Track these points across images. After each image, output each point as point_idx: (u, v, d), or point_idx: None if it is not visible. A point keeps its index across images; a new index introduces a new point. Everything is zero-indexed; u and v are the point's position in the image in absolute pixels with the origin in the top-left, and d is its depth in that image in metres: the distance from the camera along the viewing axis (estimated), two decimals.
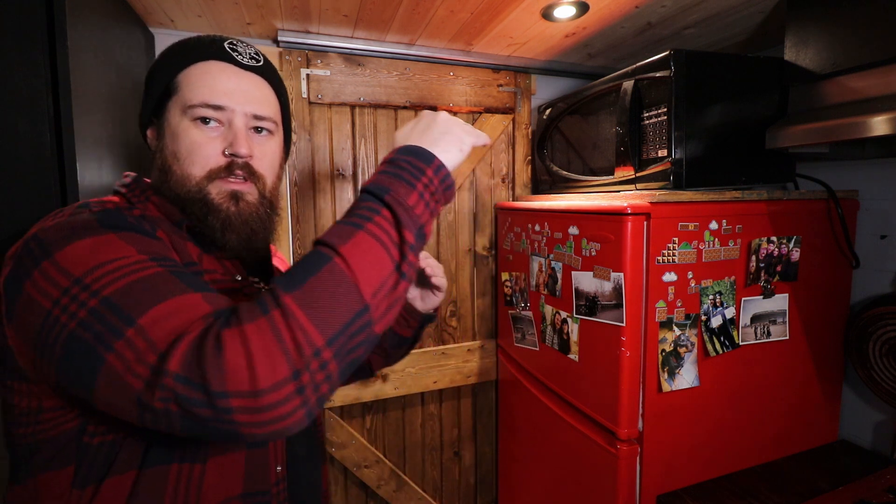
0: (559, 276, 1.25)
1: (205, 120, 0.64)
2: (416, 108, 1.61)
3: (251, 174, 0.67)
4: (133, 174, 0.70)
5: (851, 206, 1.24)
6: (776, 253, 1.13)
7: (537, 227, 1.37)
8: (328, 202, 1.54)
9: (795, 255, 1.16)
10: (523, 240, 1.47)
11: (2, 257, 0.54)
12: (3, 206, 0.80)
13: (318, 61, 1.48)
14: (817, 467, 1.17)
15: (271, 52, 1.43)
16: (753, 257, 1.11)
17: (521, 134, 1.75)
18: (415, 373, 1.67)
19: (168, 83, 0.65)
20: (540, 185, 1.70)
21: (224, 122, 0.65)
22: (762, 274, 1.13)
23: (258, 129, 0.68)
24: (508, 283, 1.56)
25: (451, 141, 0.59)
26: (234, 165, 0.65)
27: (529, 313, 1.43)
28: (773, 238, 1.13)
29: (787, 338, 1.17)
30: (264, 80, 0.70)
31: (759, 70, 1.14)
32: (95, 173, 0.94)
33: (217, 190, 0.64)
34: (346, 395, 1.57)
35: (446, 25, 1.37)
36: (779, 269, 1.14)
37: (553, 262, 1.28)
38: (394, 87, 1.57)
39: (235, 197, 0.65)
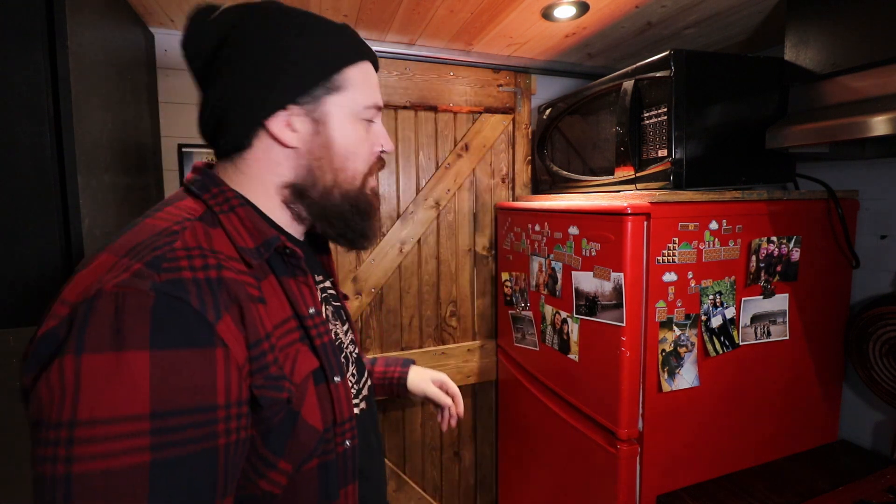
0: (559, 276, 1.25)
1: (370, 121, 0.65)
2: (417, 107, 1.61)
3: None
4: (204, 167, 0.61)
5: (851, 206, 1.24)
6: (776, 253, 1.13)
7: (537, 227, 1.37)
8: None
9: (795, 255, 1.16)
10: (523, 240, 1.47)
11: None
12: (3, 206, 0.80)
13: None
14: (817, 467, 1.17)
15: None
16: (753, 257, 1.11)
17: (521, 134, 1.75)
18: None
19: (331, 76, 0.60)
20: (540, 185, 1.70)
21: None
22: (762, 274, 1.13)
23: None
24: (508, 283, 1.56)
25: None
26: (382, 161, 0.68)
27: (529, 313, 1.43)
28: (773, 238, 1.13)
29: (787, 338, 1.17)
30: None
31: (759, 70, 1.14)
32: (95, 174, 0.94)
33: (371, 185, 0.66)
34: None
35: (446, 25, 1.37)
36: (779, 269, 1.14)
37: (553, 262, 1.28)
38: (394, 87, 1.57)
39: (377, 194, 0.68)
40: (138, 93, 1.25)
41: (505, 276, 1.59)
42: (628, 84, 1.18)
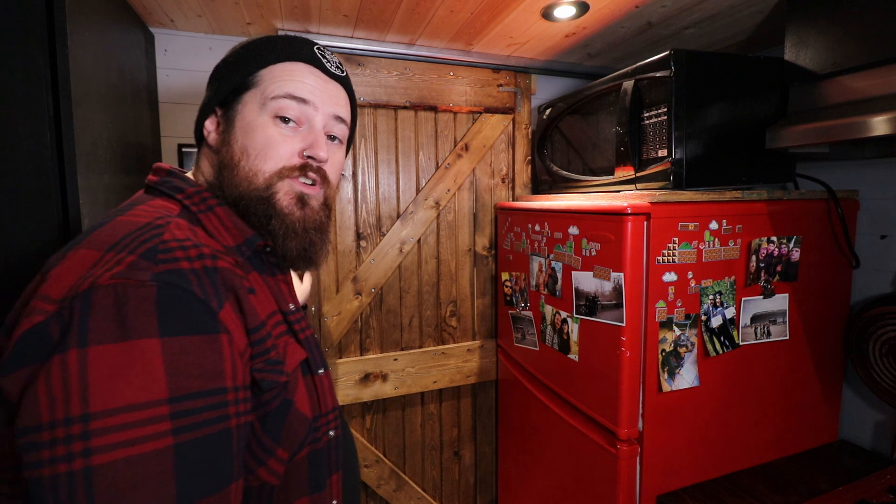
0: (559, 276, 1.25)
1: (285, 119, 0.61)
2: (416, 108, 1.61)
3: (323, 179, 0.64)
4: (170, 169, 0.60)
5: (851, 206, 1.24)
6: (776, 253, 1.13)
7: (537, 227, 1.37)
8: None
9: (795, 255, 1.16)
10: (523, 240, 1.47)
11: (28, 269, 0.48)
12: (3, 207, 0.80)
13: None
14: (817, 467, 1.17)
15: None
16: (753, 257, 1.11)
17: (521, 134, 1.75)
18: (415, 372, 1.67)
19: (248, 76, 0.61)
20: (540, 185, 1.70)
21: (304, 122, 0.63)
22: (762, 274, 1.13)
23: (331, 137, 0.67)
24: (508, 283, 1.56)
25: None
26: (309, 168, 0.62)
27: (529, 313, 1.43)
28: (773, 238, 1.13)
29: (787, 338, 1.17)
30: (345, 91, 0.70)
31: (759, 70, 1.14)
32: (95, 174, 0.94)
33: (286, 189, 0.61)
34: (345, 394, 1.57)
35: (446, 25, 1.37)
36: (779, 269, 1.14)
37: (553, 262, 1.28)
38: (394, 87, 1.57)
39: (302, 200, 0.62)
40: (138, 93, 1.25)
41: (505, 276, 1.59)
42: (628, 84, 1.18)
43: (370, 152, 1.59)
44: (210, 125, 0.63)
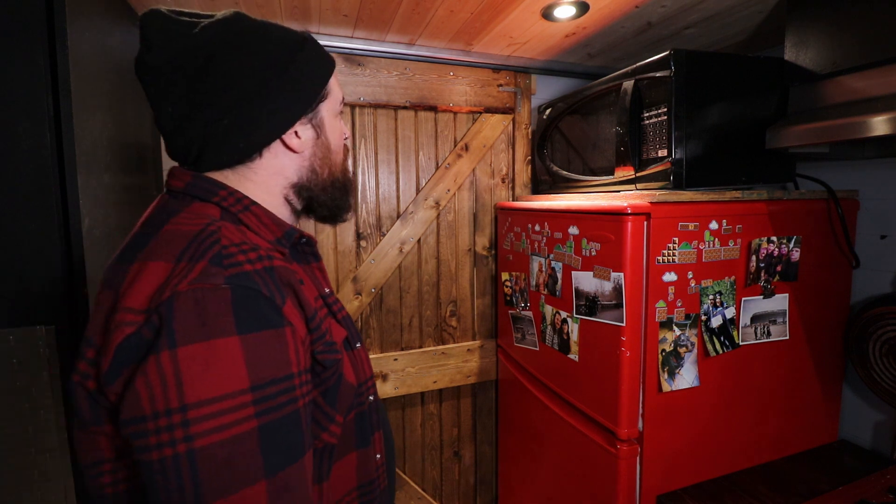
0: (559, 276, 1.25)
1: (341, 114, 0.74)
2: (417, 108, 1.61)
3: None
4: (195, 173, 0.61)
5: (851, 206, 1.24)
6: (776, 253, 1.13)
7: (537, 227, 1.37)
8: None
9: (795, 255, 1.16)
10: (523, 240, 1.47)
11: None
12: (3, 207, 0.80)
13: None
14: (817, 467, 1.17)
15: None
16: (753, 257, 1.11)
17: (521, 134, 1.75)
18: (415, 372, 1.67)
19: (324, 87, 0.68)
20: (540, 185, 1.70)
21: None
22: (762, 274, 1.13)
23: None
24: (508, 283, 1.56)
25: None
26: (346, 148, 0.77)
27: (529, 313, 1.43)
28: (773, 238, 1.13)
29: (787, 338, 1.17)
30: None
31: (759, 70, 1.14)
32: (95, 174, 0.94)
33: (345, 167, 0.75)
34: None
35: (446, 25, 1.37)
36: (779, 269, 1.14)
37: (553, 262, 1.28)
38: (394, 87, 1.57)
39: (348, 170, 0.77)
40: (138, 93, 1.25)
41: (505, 276, 1.59)
42: (628, 84, 1.18)
43: (370, 152, 1.59)
44: (301, 130, 0.66)
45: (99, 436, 0.51)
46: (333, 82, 0.70)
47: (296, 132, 0.65)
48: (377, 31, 1.42)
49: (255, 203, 0.62)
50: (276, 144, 0.64)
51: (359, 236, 1.60)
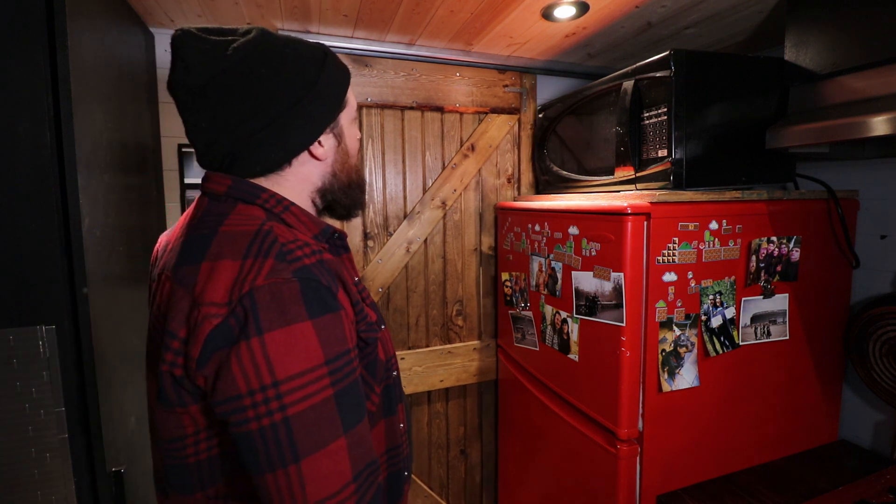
0: (559, 276, 1.25)
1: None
2: (423, 108, 1.61)
3: None
4: (235, 177, 0.67)
5: (851, 206, 1.24)
6: (776, 253, 1.13)
7: (537, 227, 1.37)
8: None
9: (795, 255, 1.16)
10: (523, 240, 1.47)
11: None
12: (3, 207, 0.80)
13: None
14: (817, 467, 1.17)
15: None
16: (753, 257, 1.11)
17: (527, 134, 1.76)
18: (421, 371, 1.67)
19: (344, 99, 0.74)
20: (540, 184, 1.70)
21: None
22: (762, 274, 1.13)
23: None
24: (508, 283, 1.56)
25: None
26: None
27: (529, 313, 1.43)
28: (773, 238, 1.13)
29: (787, 338, 1.17)
30: None
31: (759, 70, 1.14)
32: (95, 174, 0.94)
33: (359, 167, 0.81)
34: None
35: (446, 25, 1.37)
36: (779, 269, 1.14)
37: (553, 262, 1.28)
38: (401, 88, 1.57)
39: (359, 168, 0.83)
40: (138, 93, 1.25)
41: (505, 276, 1.59)
42: (628, 84, 1.18)
43: (377, 153, 1.59)
44: (325, 139, 0.72)
45: (182, 415, 0.60)
46: (351, 92, 0.75)
47: (319, 141, 0.71)
48: (377, 30, 1.42)
49: (293, 203, 0.69)
50: (304, 153, 0.70)
51: (366, 236, 1.60)
